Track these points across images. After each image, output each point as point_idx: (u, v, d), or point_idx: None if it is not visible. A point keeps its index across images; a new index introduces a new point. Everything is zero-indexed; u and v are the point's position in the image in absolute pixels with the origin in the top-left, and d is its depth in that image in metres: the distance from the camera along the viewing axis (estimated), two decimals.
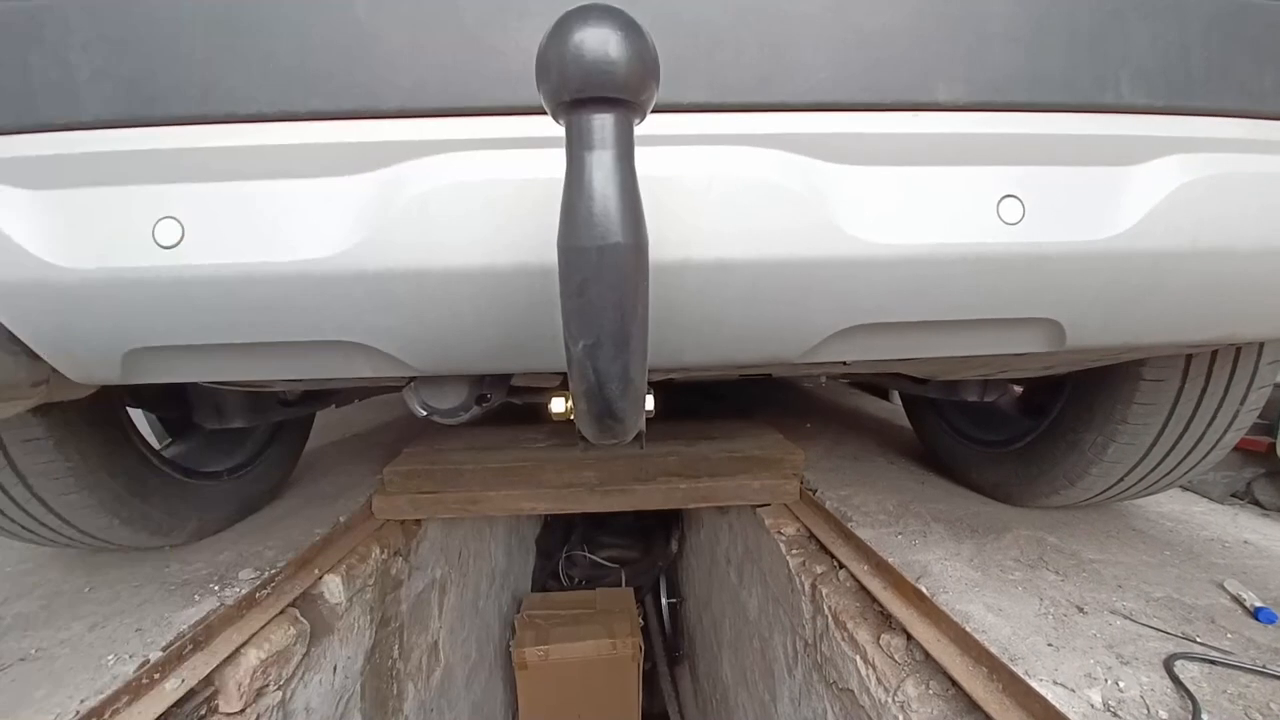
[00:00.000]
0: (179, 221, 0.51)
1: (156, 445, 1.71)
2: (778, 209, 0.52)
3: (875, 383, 2.48)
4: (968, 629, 1.05)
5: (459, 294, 0.52)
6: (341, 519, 1.63)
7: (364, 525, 1.71)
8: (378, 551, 1.66)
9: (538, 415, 2.83)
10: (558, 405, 0.67)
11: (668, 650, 3.58)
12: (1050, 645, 1.00)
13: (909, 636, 1.17)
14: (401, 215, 0.50)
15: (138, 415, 1.77)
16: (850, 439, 2.48)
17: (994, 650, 0.99)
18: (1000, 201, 0.54)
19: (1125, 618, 1.07)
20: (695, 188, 0.52)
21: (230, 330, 0.54)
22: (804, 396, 3.68)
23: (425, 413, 0.68)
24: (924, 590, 1.18)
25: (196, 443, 1.68)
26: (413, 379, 0.68)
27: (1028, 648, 0.99)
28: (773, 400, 3.53)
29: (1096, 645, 1.00)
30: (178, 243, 0.51)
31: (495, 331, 0.54)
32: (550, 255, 0.41)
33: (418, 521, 2.02)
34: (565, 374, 0.69)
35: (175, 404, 1.50)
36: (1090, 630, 1.04)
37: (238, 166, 0.50)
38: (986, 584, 1.21)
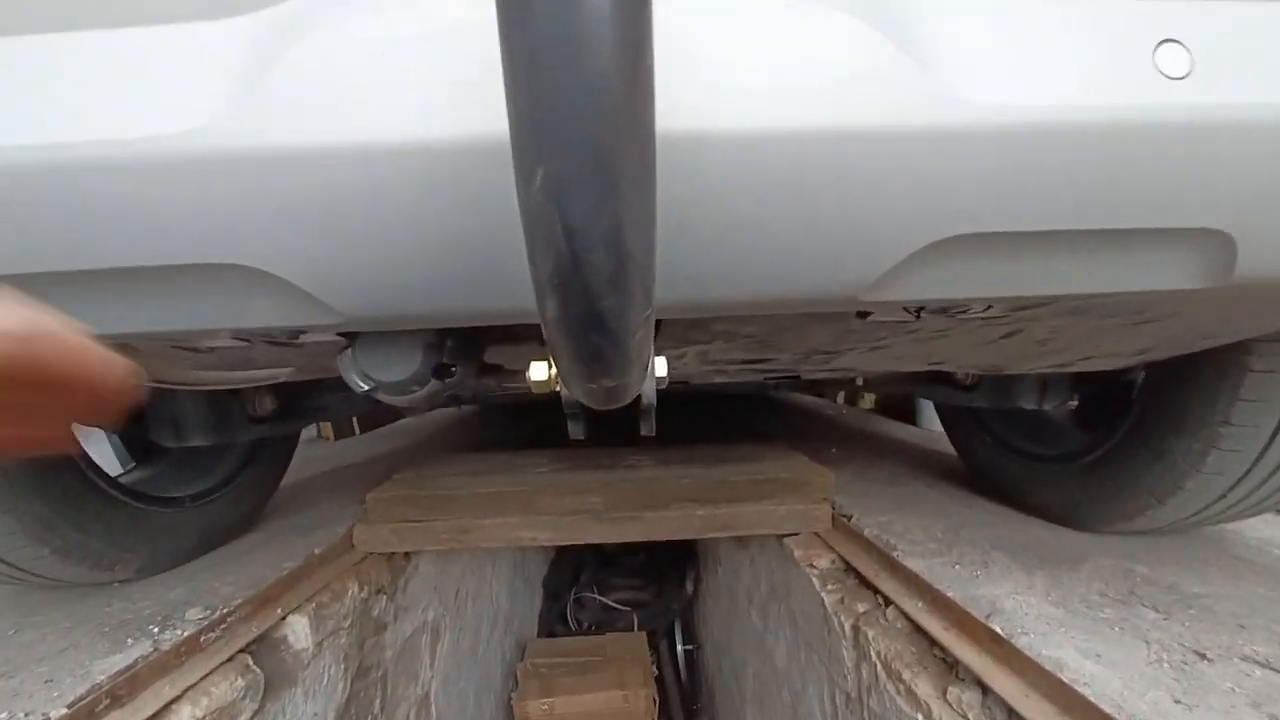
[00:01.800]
0: None
1: (119, 468, 1.56)
2: (842, 56, 0.36)
3: (908, 393, 2.28)
4: (1064, 679, 0.84)
5: (381, 184, 0.36)
6: (316, 551, 1.44)
7: (341, 559, 1.52)
8: (355, 589, 1.47)
9: (538, 439, 2.66)
10: (538, 371, 0.50)
11: (684, 703, 3.28)
12: (1178, 703, 0.78)
13: (985, 689, 0.96)
14: (294, 70, 0.35)
15: (98, 435, 1.63)
16: (880, 463, 2.27)
17: (1106, 708, 0.77)
18: (1157, 48, 0.38)
19: (1264, 666, 0.85)
20: (722, 26, 0.36)
21: (66, 249, 0.38)
22: (826, 423, 3.48)
23: (366, 386, 0.51)
24: (999, 631, 0.97)
25: (160, 466, 1.52)
26: (350, 342, 0.51)
27: (1149, 705, 0.78)
28: (791, 426, 3.33)
29: (1238, 703, 0.78)
30: None
31: (438, 244, 0.38)
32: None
33: (406, 556, 1.83)
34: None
35: (134, 420, 1.35)
36: (1224, 683, 0.82)
37: (66, 9, 0.36)
38: (1074, 623, 1.00)
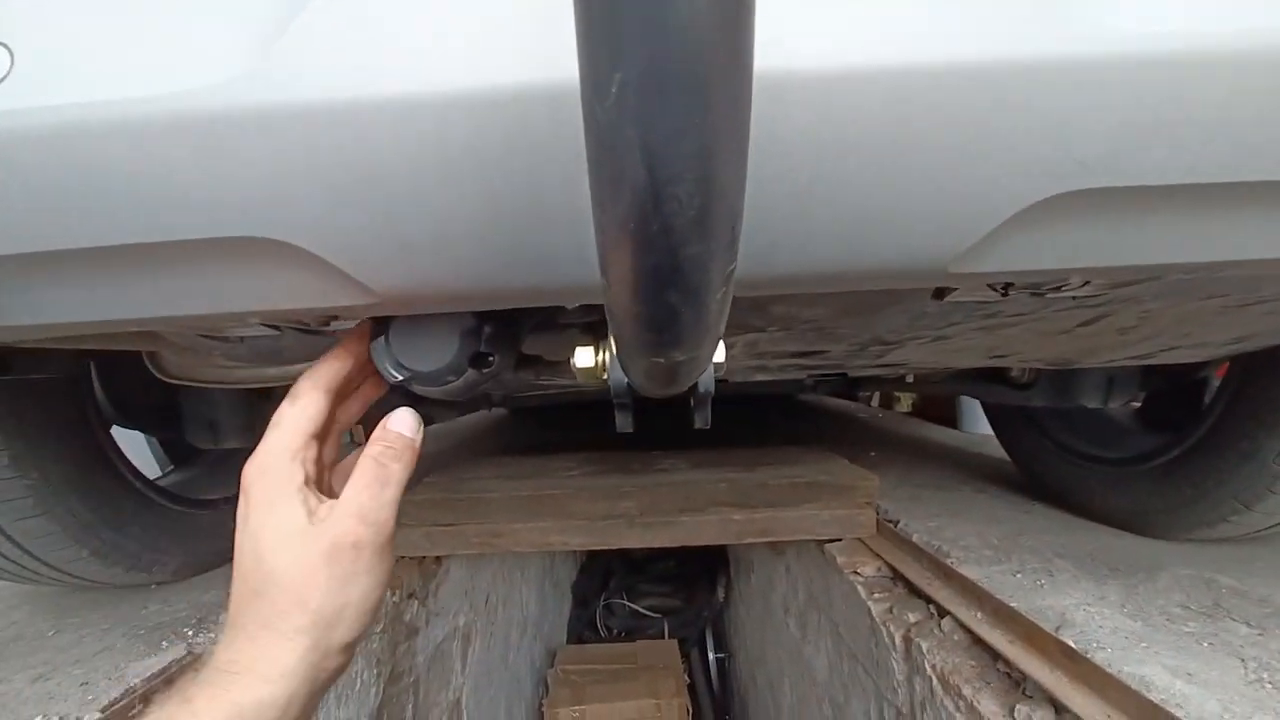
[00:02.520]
0: (6, 47, 0.34)
1: (158, 471, 1.57)
2: None
3: (955, 393, 2.19)
4: (1154, 700, 0.76)
5: (424, 142, 0.33)
6: None
7: None
8: (388, 594, 1.44)
9: (572, 442, 2.63)
10: (584, 357, 0.46)
11: (716, 712, 3.21)
12: None
13: (1059, 708, 0.88)
14: (327, 13, 0.32)
15: (136, 438, 1.64)
16: (924, 467, 2.18)
17: None
18: None
19: None
20: None
21: (73, 223, 0.35)
22: (861, 426, 3.38)
23: (399, 377, 0.48)
24: (1072, 645, 0.90)
25: (198, 469, 1.53)
26: (384, 330, 0.48)
27: None
28: (825, 430, 3.25)
29: None
30: (3, 77, 0.34)
31: (488, 210, 0.35)
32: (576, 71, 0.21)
33: (438, 560, 1.81)
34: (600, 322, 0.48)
35: (171, 422, 1.35)
36: None
37: None
38: (1156, 638, 0.91)
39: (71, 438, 1.06)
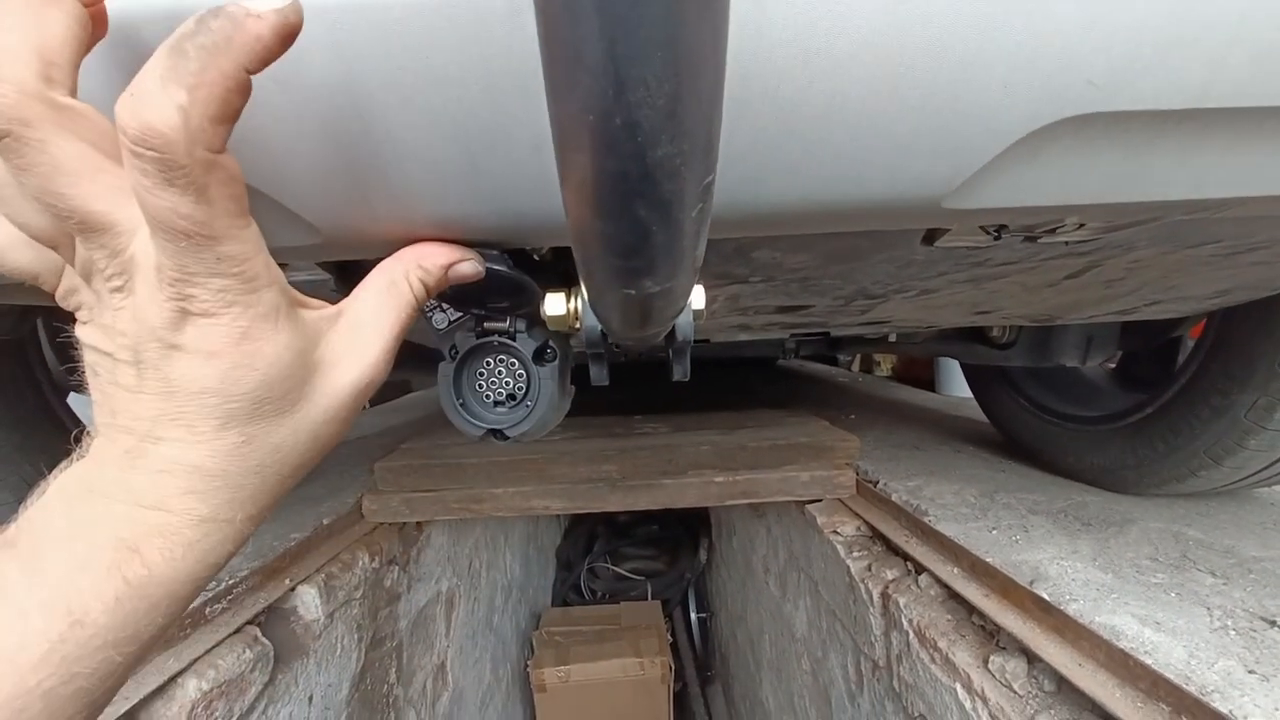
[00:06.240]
0: None
1: None
2: None
3: (935, 354, 2.20)
4: (1123, 648, 0.78)
5: (362, 51, 0.29)
6: (325, 521, 1.40)
7: (351, 529, 1.48)
8: (366, 559, 1.43)
9: None
10: (554, 304, 0.43)
11: (699, 669, 3.29)
12: (1252, 673, 0.72)
13: (1031, 658, 0.90)
14: None
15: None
16: (902, 428, 2.20)
17: (1173, 678, 0.71)
18: None
19: None
20: None
21: None
22: (841, 390, 3.41)
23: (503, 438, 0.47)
24: (1045, 597, 0.91)
25: None
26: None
27: (1220, 675, 0.72)
28: (806, 394, 3.27)
29: None
30: None
31: (439, 124, 0.31)
32: None
33: (418, 526, 1.80)
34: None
35: None
36: None
37: None
38: (1125, 589, 0.93)
39: (19, 403, 1.00)
